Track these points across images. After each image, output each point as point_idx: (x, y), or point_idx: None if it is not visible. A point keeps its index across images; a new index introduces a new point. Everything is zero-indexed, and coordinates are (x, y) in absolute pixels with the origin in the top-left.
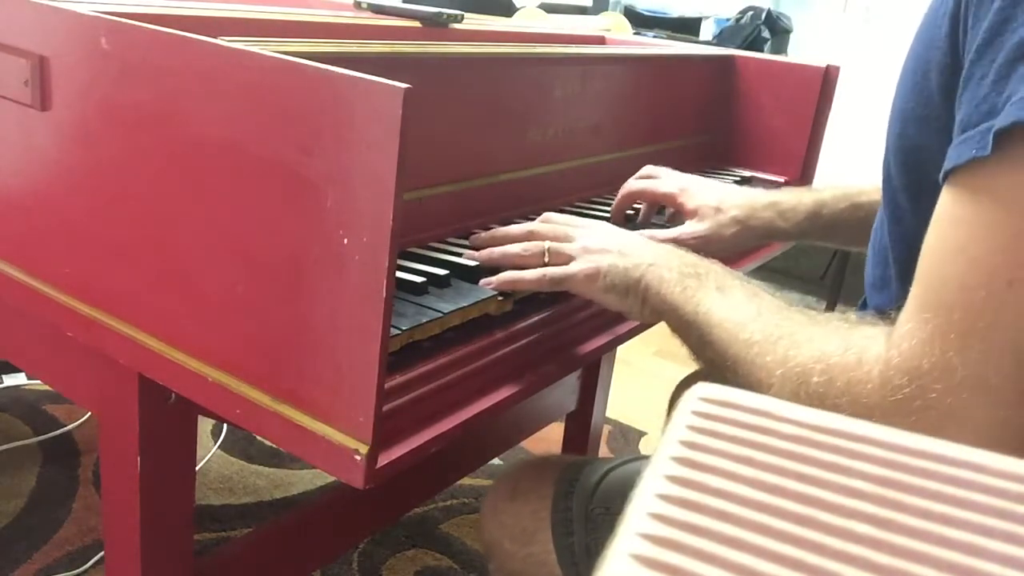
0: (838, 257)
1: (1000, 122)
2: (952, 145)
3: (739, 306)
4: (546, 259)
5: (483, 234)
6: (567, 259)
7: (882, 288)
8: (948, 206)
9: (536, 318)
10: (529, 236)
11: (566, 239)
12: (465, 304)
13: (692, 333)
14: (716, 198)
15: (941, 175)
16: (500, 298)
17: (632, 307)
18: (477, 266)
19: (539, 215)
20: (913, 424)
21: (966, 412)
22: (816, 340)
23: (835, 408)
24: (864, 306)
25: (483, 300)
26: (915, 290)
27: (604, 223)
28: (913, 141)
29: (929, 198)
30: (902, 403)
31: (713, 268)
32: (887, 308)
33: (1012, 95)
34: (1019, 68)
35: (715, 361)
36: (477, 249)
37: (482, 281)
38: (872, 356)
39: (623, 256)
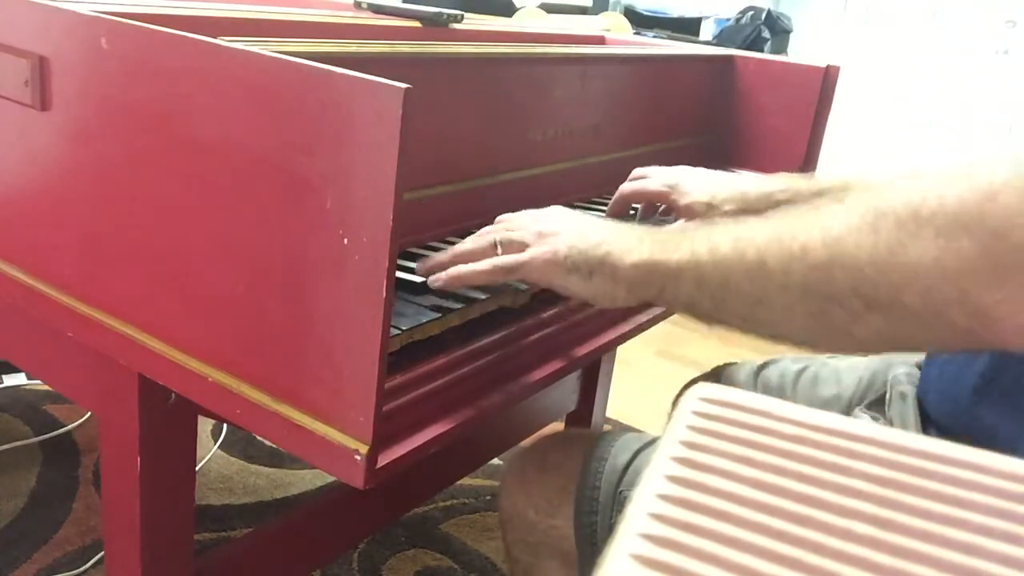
0: None
1: None
2: None
3: (748, 225)
4: (499, 251)
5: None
6: (521, 247)
7: None
8: None
9: (535, 318)
10: (478, 237)
11: (518, 228)
12: (460, 306)
13: (686, 276)
14: (708, 193)
15: None
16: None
17: (601, 288)
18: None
19: None
20: None
21: None
22: (888, 192)
23: (937, 204)
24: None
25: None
26: None
27: (558, 207)
28: None
29: None
30: None
31: (688, 225)
32: None
33: None
34: None
35: (735, 282)
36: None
37: (430, 279)
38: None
39: (583, 236)
